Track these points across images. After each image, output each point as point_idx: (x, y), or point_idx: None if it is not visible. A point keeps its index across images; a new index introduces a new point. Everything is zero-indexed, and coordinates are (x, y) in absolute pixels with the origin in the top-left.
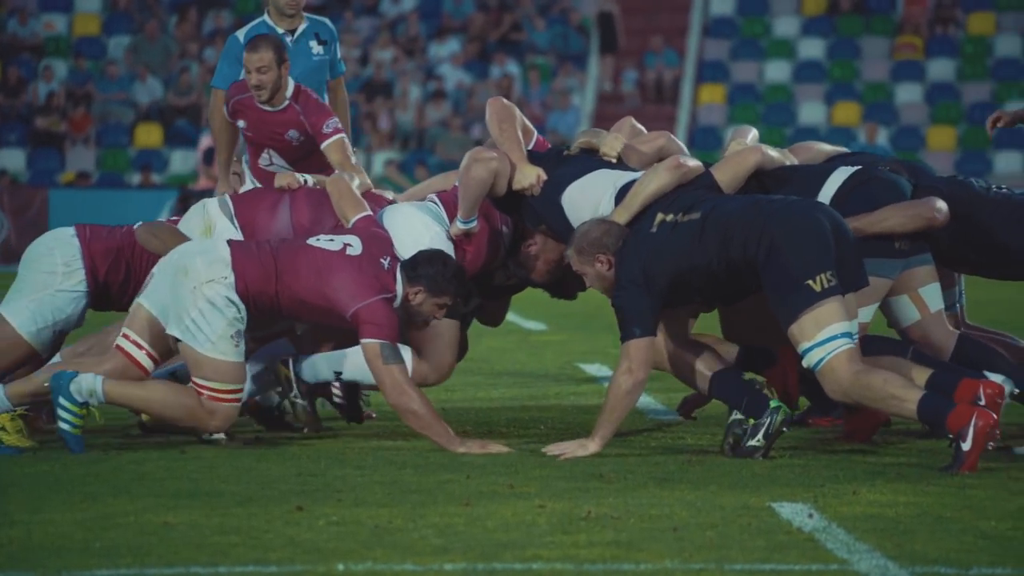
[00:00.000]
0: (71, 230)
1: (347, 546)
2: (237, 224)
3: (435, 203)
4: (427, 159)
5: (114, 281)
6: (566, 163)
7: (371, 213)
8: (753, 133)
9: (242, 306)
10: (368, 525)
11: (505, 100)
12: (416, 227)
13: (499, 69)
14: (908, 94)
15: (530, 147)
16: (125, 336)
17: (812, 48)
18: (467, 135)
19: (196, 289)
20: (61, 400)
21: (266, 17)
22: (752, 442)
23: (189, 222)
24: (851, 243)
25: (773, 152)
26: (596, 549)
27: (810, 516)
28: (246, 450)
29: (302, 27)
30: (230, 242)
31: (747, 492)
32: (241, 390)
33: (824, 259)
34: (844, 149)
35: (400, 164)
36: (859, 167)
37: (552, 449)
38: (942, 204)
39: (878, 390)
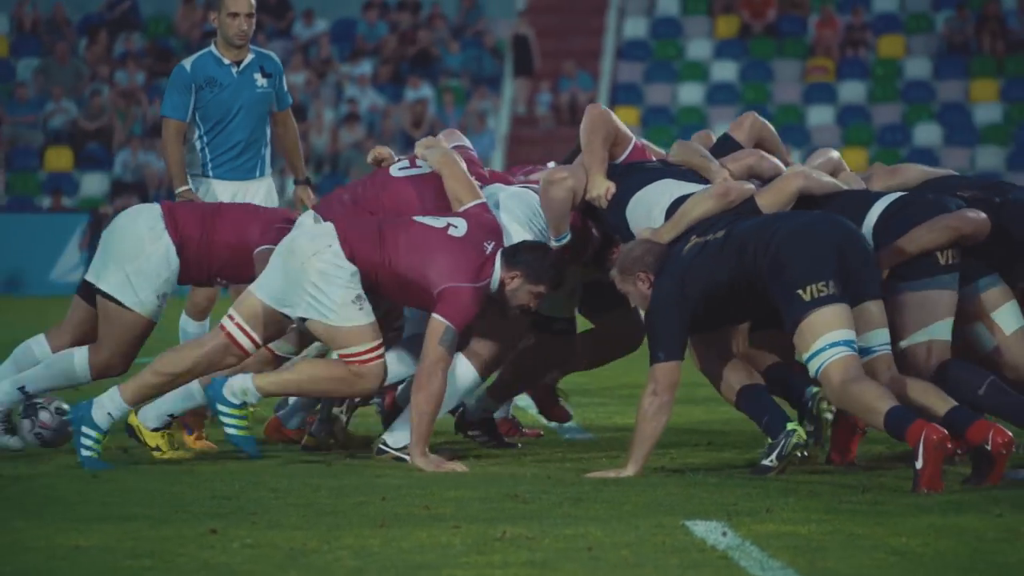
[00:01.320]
0: (153, 204)
1: (262, 569)
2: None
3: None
4: (342, 182)
5: (190, 237)
6: (639, 172)
7: (484, 201)
8: (829, 156)
9: (354, 268)
10: (283, 548)
11: (602, 107)
12: (520, 218)
13: (413, 92)
14: (820, 116)
15: (626, 154)
16: (231, 318)
17: (725, 71)
18: None
19: (304, 264)
20: (220, 408)
21: (213, 47)
22: (766, 461)
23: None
24: (865, 254)
25: (824, 177)
26: (511, 569)
27: (724, 534)
28: (159, 473)
29: (248, 59)
30: (335, 217)
31: (661, 511)
32: (381, 344)
33: (818, 269)
34: (946, 172)
35: (315, 187)
36: (903, 194)
37: (591, 476)
38: (973, 214)
39: (858, 402)
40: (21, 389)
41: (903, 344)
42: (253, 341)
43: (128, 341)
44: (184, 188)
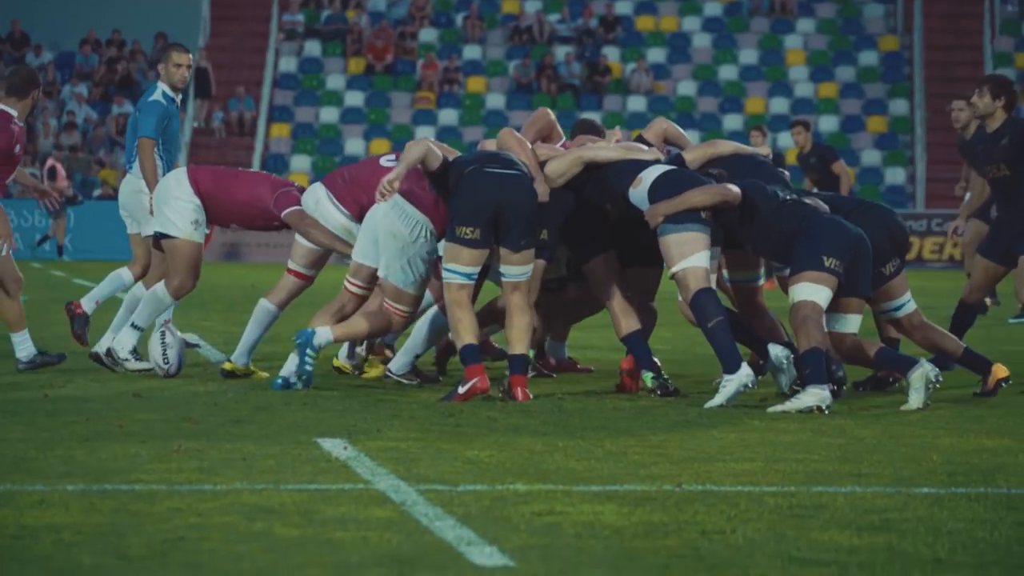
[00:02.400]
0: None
1: None
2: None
3: None
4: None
5: (208, 192)
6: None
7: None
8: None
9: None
10: (8, 455)
11: (547, 110)
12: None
13: (118, 108)
14: (424, 134)
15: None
16: (351, 282)
17: (354, 98)
18: (90, 156)
19: (404, 248)
20: (308, 351)
21: (164, 90)
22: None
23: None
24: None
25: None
26: (184, 474)
27: (345, 448)
28: None
29: (179, 98)
30: (342, 195)
31: (299, 431)
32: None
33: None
34: (753, 150)
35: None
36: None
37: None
38: (732, 187)
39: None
40: (133, 325)
41: (672, 271)
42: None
43: (189, 263)
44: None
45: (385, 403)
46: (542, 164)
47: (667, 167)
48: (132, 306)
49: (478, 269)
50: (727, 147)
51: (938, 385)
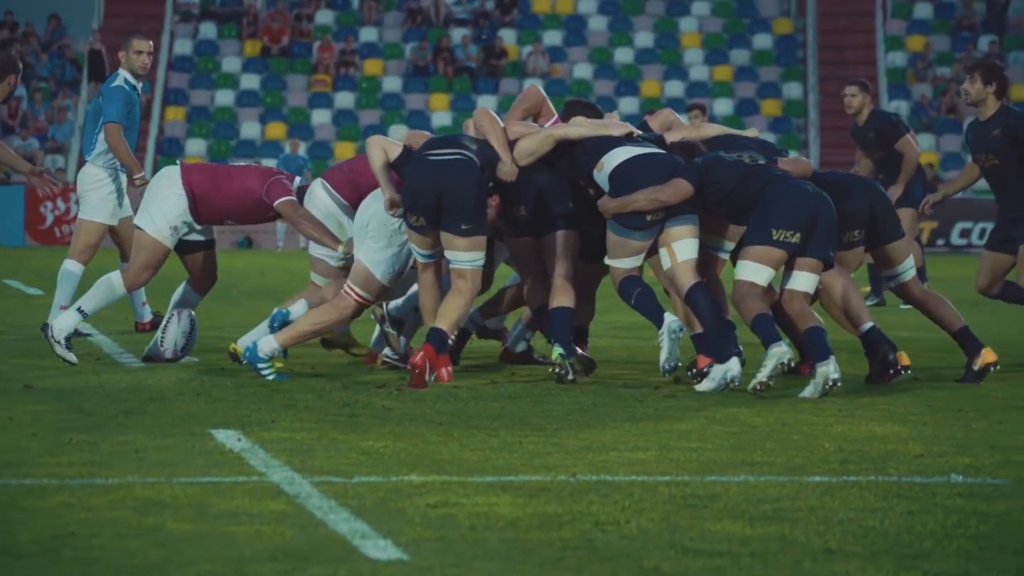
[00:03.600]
0: (173, 165)
1: None
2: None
3: None
4: None
5: (202, 189)
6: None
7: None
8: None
9: None
10: None
11: (538, 87)
12: None
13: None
14: (321, 118)
15: (550, 122)
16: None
17: (250, 81)
18: None
19: (392, 237)
20: (259, 365)
21: (127, 77)
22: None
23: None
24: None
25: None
26: (75, 468)
27: (239, 440)
28: None
29: (141, 85)
30: (339, 183)
31: (192, 422)
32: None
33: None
34: (737, 132)
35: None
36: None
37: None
38: (674, 188)
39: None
40: (79, 310)
41: (607, 261)
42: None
43: (150, 260)
44: (141, 174)
45: (280, 393)
46: (514, 142)
47: (634, 150)
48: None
49: (435, 251)
50: (712, 129)
51: (837, 387)
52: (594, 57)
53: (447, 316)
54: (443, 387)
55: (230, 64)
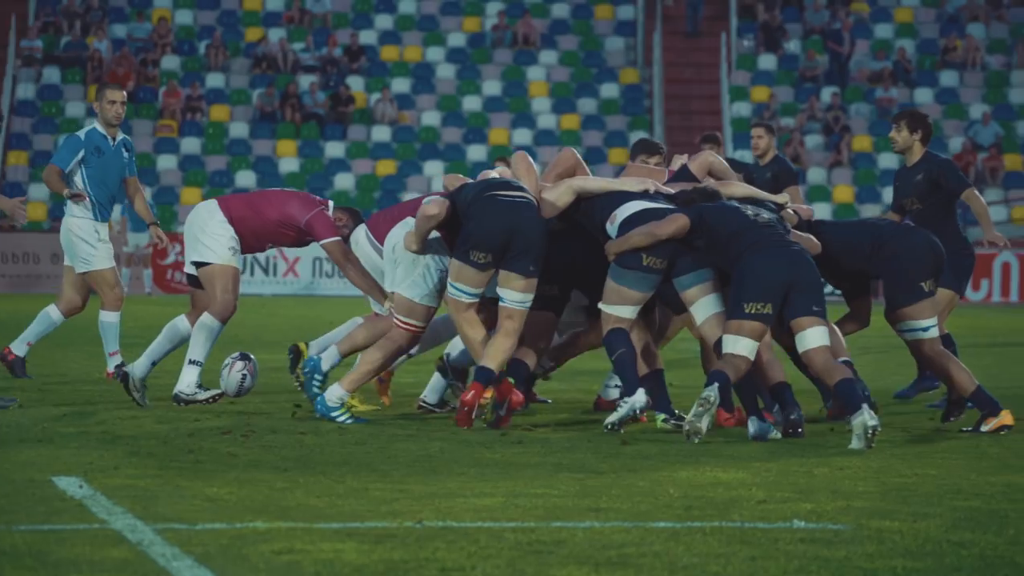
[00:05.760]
0: (210, 200)
1: None
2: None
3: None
4: None
5: (242, 216)
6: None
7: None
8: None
9: None
10: None
11: (573, 150)
12: None
13: None
14: (166, 163)
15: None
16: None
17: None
18: None
19: (418, 258)
20: (333, 415)
21: (96, 124)
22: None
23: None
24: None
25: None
26: None
27: (81, 487)
28: None
29: (119, 138)
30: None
31: (33, 469)
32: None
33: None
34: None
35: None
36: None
37: None
38: (669, 223)
39: None
40: (192, 362)
41: (600, 305)
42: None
43: (228, 284)
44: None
45: (123, 440)
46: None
47: (645, 204)
48: (171, 336)
49: (480, 290)
50: (739, 189)
51: (878, 432)
52: (442, 105)
53: (495, 356)
54: (290, 434)
55: (74, 109)
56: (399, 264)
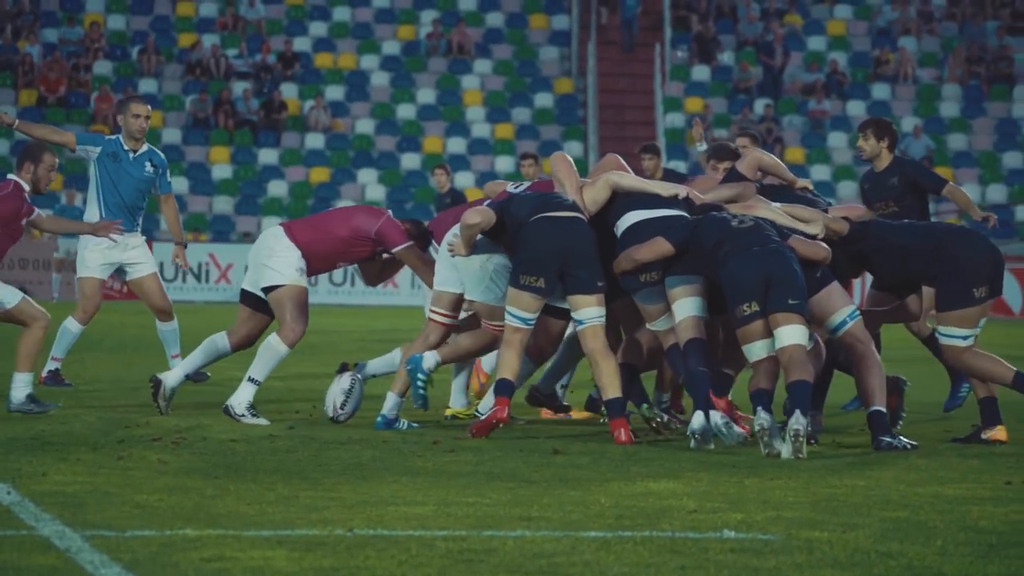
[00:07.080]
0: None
1: None
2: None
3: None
4: None
5: (308, 239)
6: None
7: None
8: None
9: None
10: None
11: (566, 155)
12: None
13: None
14: None
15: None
16: (435, 312)
17: None
18: None
19: (483, 264)
20: (419, 376)
21: (120, 136)
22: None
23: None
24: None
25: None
26: None
27: (8, 493)
28: None
29: (142, 150)
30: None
31: None
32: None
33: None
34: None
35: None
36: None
37: None
38: (649, 247)
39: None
40: (251, 379)
41: (648, 327)
42: (453, 320)
43: (298, 308)
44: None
45: (52, 445)
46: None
47: (645, 214)
48: (208, 351)
49: (536, 315)
50: (762, 210)
51: (813, 442)
52: (376, 112)
53: (611, 384)
54: (220, 441)
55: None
56: (464, 276)
